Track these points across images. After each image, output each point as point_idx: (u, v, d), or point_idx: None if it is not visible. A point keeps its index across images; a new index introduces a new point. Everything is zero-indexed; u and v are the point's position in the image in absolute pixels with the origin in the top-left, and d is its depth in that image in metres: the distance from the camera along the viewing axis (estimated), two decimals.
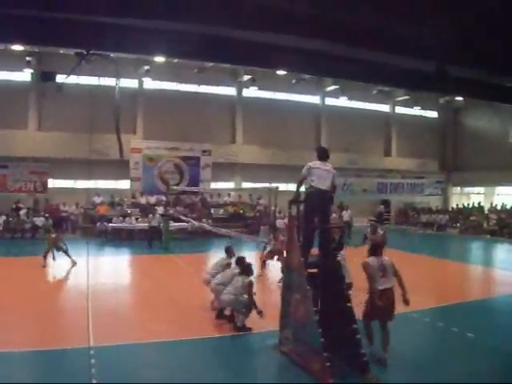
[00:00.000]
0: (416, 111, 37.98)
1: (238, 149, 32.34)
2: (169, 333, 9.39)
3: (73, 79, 26.02)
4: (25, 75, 28.30)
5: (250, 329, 9.33)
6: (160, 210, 26.74)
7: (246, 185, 32.12)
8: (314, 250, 8.51)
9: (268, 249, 15.84)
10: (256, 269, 13.62)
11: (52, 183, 28.84)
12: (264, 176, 29.86)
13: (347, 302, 7.83)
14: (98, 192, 29.01)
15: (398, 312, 8.07)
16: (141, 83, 30.39)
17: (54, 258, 16.63)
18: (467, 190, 40.28)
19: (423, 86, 13.38)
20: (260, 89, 31.85)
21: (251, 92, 32.30)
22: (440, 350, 8.35)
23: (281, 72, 27.06)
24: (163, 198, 28.05)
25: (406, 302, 7.93)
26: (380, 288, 7.84)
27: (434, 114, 40.15)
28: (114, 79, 25.63)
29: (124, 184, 30.30)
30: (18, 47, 24.33)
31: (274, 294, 12.00)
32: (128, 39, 9.24)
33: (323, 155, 8.66)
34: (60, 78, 24.51)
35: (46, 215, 26.22)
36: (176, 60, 26.53)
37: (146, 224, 24.56)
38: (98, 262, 18.94)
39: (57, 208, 27.75)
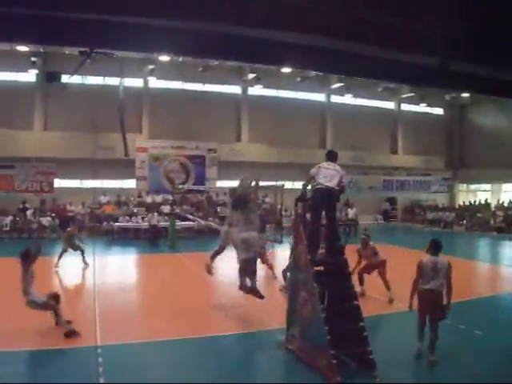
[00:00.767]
0: (422, 108, 37.81)
1: (243, 147, 32.35)
2: (175, 331, 9.40)
3: (77, 79, 26.11)
4: (30, 76, 28.41)
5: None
6: (166, 208, 26.81)
7: (252, 183, 31.90)
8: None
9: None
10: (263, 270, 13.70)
11: (58, 183, 28.91)
12: (270, 174, 29.76)
13: (354, 300, 7.79)
14: (104, 191, 29.09)
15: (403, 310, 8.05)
16: (146, 82, 30.45)
17: (85, 263, 16.34)
18: (474, 187, 40.14)
19: (432, 81, 13.25)
20: (265, 87, 31.87)
21: (256, 90, 32.31)
22: (447, 347, 8.29)
23: (285, 70, 27.14)
24: (169, 196, 28.08)
25: (445, 307, 7.95)
26: (425, 287, 7.85)
27: (440, 111, 40.04)
28: (119, 79, 25.64)
29: (130, 183, 30.34)
30: (23, 48, 24.51)
31: (280, 292, 12.02)
32: (131, 37, 9.22)
33: (332, 157, 8.75)
34: (65, 78, 24.55)
35: (53, 215, 26.36)
36: (181, 59, 26.67)
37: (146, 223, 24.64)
38: (105, 261, 18.96)
39: (63, 208, 27.85)
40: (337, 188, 8.35)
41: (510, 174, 32.82)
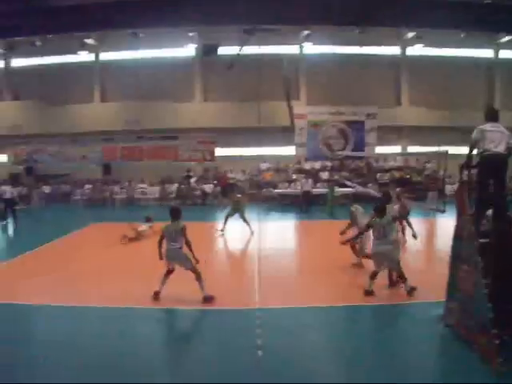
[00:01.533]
0: None
1: (403, 111, 31.18)
2: (331, 298, 9.49)
3: (235, 50, 26.85)
4: (189, 50, 30.02)
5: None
6: (325, 175, 26.91)
7: (413, 148, 31.02)
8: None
9: None
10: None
11: (219, 152, 30.32)
12: (432, 139, 28.35)
13: None
14: (263, 159, 29.92)
15: None
16: (301, 48, 30.50)
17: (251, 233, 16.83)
18: None
19: None
20: (426, 46, 30.29)
21: (416, 50, 30.82)
22: None
23: None
24: (328, 163, 28.10)
25: None
26: None
27: None
28: (275, 47, 26.12)
29: (289, 150, 30.83)
30: None
31: (439, 264, 11.52)
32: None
33: (494, 116, 8.02)
34: (222, 51, 25.61)
35: (215, 182, 27.80)
36: None
37: (299, 189, 24.86)
38: (265, 226, 19.50)
39: (224, 175, 29.17)
40: (505, 153, 7.74)
41: None
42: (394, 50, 31.60)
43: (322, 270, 11.58)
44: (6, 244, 17.80)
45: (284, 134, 29.50)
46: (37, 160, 31.62)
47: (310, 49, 30.63)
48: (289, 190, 26.52)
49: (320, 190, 25.64)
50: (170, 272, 9.18)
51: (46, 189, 29.85)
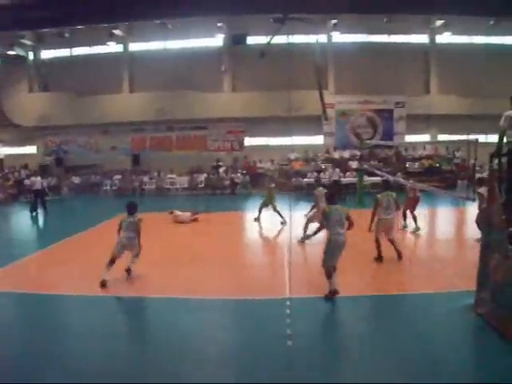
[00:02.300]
0: None
1: (432, 99, 30.71)
2: (360, 288, 9.42)
3: (263, 40, 26.73)
4: (217, 40, 30.04)
5: None
6: (354, 164, 26.73)
7: (443, 137, 30.61)
8: None
9: None
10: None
11: (248, 141, 30.33)
12: (462, 127, 27.92)
13: None
14: (292, 148, 29.84)
15: None
16: (329, 38, 30.30)
17: (283, 222, 16.61)
18: None
19: None
20: (454, 34, 29.83)
21: (445, 38, 30.34)
22: None
23: None
24: (357, 152, 27.89)
25: None
26: None
27: None
28: (304, 36, 25.88)
29: (318, 139, 30.67)
30: None
31: (470, 252, 11.34)
32: None
33: None
34: (250, 40, 25.55)
35: (244, 172, 27.82)
36: None
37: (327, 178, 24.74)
38: (295, 216, 19.31)
39: (254, 165, 29.20)
40: None
41: None
42: (422, 39, 31.12)
43: (350, 260, 11.52)
44: (36, 235, 18.10)
45: (312, 123, 29.35)
46: (66, 151, 32.11)
47: (338, 38, 30.36)
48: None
49: (349, 179, 25.50)
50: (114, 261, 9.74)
51: (76, 179, 30.27)
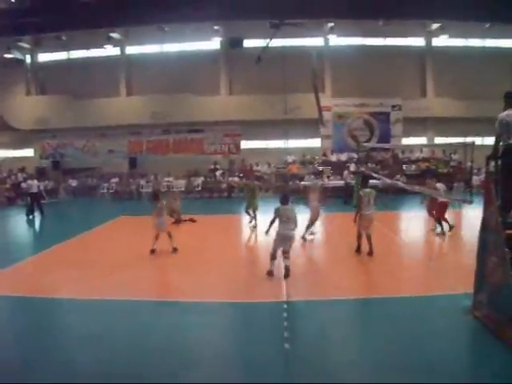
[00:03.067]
0: None
1: (429, 102, 30.84)
2: (358, 291, 9.43)
3: (260, 43, 26.77)
4: (214, 43, 30.09)
5: None
6: (352, 167, 26.74)
7: (439, 140, 30.65)
8: None
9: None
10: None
11: (245, 144, 30.36)
12: (458, 130, 28.07)
13: None
14: (289, 151, 29.87)
15: None
16: (326, 41, 30.39)
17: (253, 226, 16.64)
18: None
19: None
20: (450, 37, 29.91)
21: (441, 41, 30.43)
22: None
23: None
24: (354, 155, 27.93)
25: None
26: None
27: None
28: (301, 39, 25.95)
29: (315, 142, 30.70)
30: None
31: (467, 255, 11.35)
32: None
33: None
34: (247, 44, 25.59)
35: (241, 175, 27.84)
36: None
37: (340, 181, 24.72)
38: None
39: (250, 168, 29.21)
40: None
41: None
42: (418, 41, 31.23)
43: (342, 260, 11.60)
44: (32, 238, 17.96)
45: (309, 126, 29.40)
46: (63, 154, 32.09)
47: (335, 41, 30.43)
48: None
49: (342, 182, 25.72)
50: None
51: (73, 182, 30.31)
